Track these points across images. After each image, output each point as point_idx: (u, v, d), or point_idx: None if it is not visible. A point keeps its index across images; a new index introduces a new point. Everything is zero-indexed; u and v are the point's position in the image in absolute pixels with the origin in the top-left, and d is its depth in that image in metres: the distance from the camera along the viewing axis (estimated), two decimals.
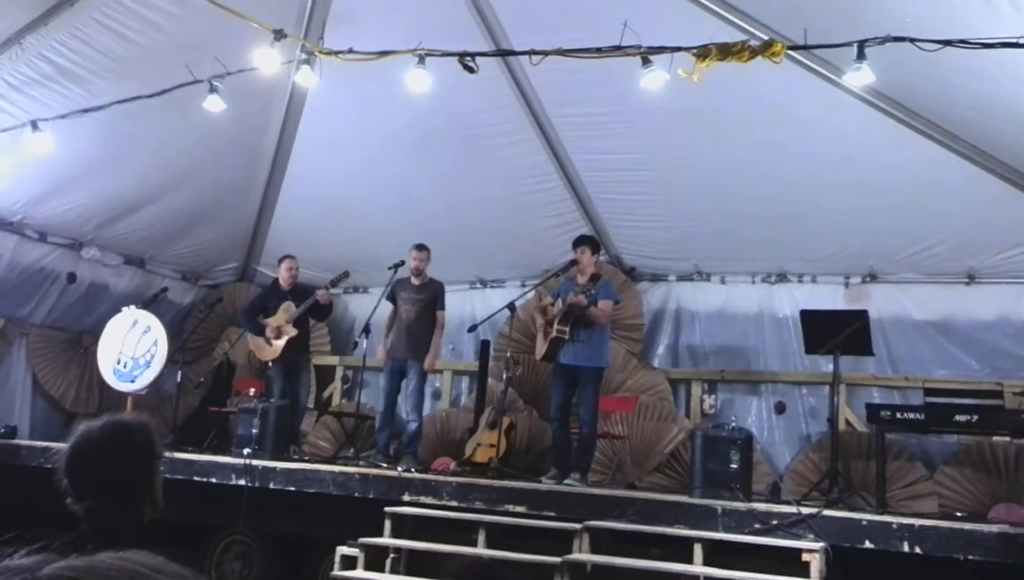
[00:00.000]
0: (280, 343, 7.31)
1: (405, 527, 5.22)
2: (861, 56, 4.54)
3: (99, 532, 1.74)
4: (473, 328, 7.28)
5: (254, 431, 6.40)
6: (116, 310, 7.84)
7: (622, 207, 7.75)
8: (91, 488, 1.83)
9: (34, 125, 6.34)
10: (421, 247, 6.90)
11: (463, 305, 8.64)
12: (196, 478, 6.09)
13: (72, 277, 8.47)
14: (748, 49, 4.51)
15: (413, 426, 6.76)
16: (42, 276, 8.27)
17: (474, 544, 4.90)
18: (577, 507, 5.13)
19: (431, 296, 6.86)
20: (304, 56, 5.59)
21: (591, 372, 6.13)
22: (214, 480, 6.08)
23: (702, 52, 4.54)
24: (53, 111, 6.38)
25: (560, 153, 7.45)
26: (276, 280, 7.76)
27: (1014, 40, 4.16)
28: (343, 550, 5.13)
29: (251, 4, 5.46)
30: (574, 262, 6.37)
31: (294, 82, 6.61)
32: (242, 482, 5.94)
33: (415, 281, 6.92)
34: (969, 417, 5.37)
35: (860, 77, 4.78)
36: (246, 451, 6.23)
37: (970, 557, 4.32)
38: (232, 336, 8.80)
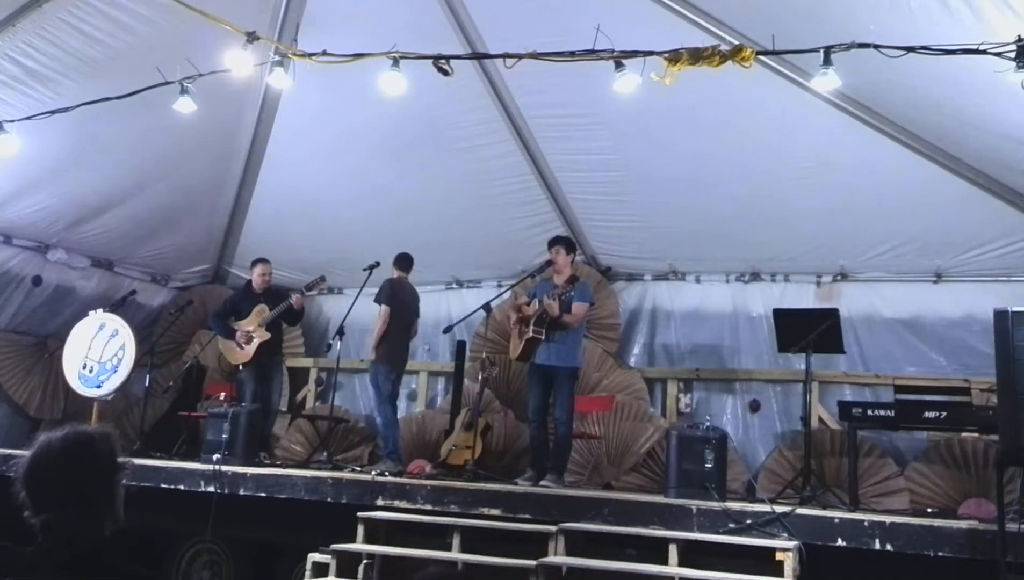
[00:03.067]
0: (251, 348, 7.23)
1: (378, 532, 5.18)
2: (827, 62, 4.62)
3: (57, 545, 1.70)
4: (448, 329, 7.25)
5: (224, 436, 6.31)
6: (83, 313, 7.71)
7: (597, 207, 7.77)
8: (50, 500, 1.79)
9: (0, 127, 6.22)
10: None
11: (439, 305, 8.62)
12: (164, 485, 5.99)
13: (38, 280, 8.32)
14: (718, 54, 4.56)
15: (380, 427, 6.71)
16: (7, 279, 8.12)
17: (448, 548, 4.88)
18: (552, 509, 5.12)
19: (377, 293, 6.95)
20: (277, 58, 5.53)
21: (566, 372, 6.15)
22: (182, 487, 5.98)
23: (673, 56, 4.57)
24: (20, 112, 6.26)
25: (535, 154, 7.45)
26: (249, 282, 7.67)
27: (974, 47, 4.24)
28: (314, 557, 5.06)
29: (224, 5, 5.39)
30: (550, 262, 6.39)
31: (267, 84, 6.55)
32: (211, 489, 5.84)
33: None
34: (938, 414, 5.45)
35: (827, 82, 4.86)
36: (215, 457, 6.14)
37: (940, 553, 4.38)
38: (203, 339, 8.68)
